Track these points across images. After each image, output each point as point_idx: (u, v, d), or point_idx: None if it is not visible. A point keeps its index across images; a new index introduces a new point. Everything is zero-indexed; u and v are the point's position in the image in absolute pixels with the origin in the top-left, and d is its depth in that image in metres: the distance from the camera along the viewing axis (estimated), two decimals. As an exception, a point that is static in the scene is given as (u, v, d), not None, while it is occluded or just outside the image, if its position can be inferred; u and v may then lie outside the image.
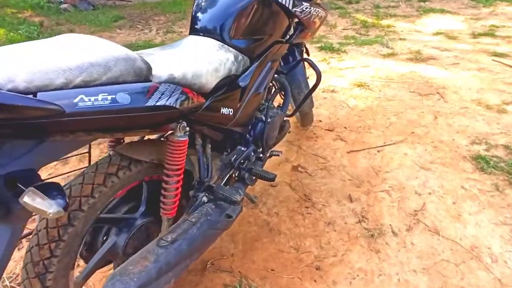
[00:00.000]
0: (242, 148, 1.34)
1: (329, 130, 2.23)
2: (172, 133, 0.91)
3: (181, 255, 0.88)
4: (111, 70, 0.65)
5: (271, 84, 1.61)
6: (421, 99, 2.59)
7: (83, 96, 0.60)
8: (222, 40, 1.10)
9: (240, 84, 1.11)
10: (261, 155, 1.43)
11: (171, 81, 0.79)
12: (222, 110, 1.03)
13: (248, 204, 1.68)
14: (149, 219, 1.04)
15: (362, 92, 2.72)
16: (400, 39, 4.09)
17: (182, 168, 0.96)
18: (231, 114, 1.08)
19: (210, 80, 0.95)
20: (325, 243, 1.46)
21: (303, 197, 1.70)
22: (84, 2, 6.39)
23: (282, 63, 1.81)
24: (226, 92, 1.03)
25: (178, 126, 0.89)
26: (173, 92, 0.76)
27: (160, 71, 0.78)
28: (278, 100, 1.69)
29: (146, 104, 0.68)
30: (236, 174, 1.33)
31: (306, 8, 1.30)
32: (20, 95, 0.52)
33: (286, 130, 1.67)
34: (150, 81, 0.73)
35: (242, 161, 1.32)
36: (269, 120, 1.40)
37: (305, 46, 1.92)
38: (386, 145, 2.06)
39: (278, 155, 1.52)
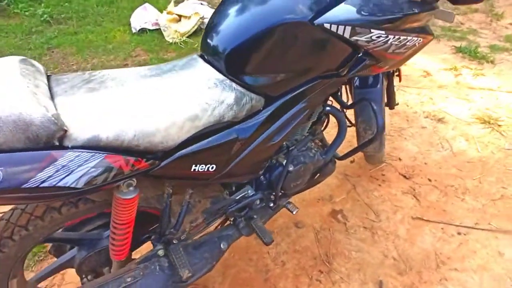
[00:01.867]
0: (249, 192, 1.10)
1: (405, 176, 1.71)
2: (117, 187, 0.76)
3: None
4: None
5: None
6: None
7: None
8: (226, 72, 0.83)
9: (235, 134, 0.84)
10: (271, 204, 1.17)
11: (92, 145, 0.62)
12: (194, 167, 0.81)
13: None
14: None
15: (485, 133, 1.95)
16: None
17: (131, 222, 0.83)
18: (212, 170, 0.85)
19: (175, 135, 0.73)
20: (319, 330, 1.18)
21: (323, 256, 1.39)
22: None
23: (358, 82, 1.38)
24: (205, 145, 0.80)
25: (123, 183, 0.73)
26: (80, 164, 0.59)
27: (84, 129, 0.62)
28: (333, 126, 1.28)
29: (25, 185, 0.54)
30: (232, 219, 1.13)
31: (379, 36, 0.86)
32: None
33: (328, 174, 1.32)
34: (53, 147, 0.58)
35: (242, 207, 1.10)
36: (292, 167, 1.10)
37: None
38: (476, 228, 1.46)
39: (292, 212, 1.22)
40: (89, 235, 0.98)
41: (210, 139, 0.80)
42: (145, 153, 0.70)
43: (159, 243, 0.94)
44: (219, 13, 0.88)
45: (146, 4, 3.48)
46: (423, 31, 1.01)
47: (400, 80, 1.49)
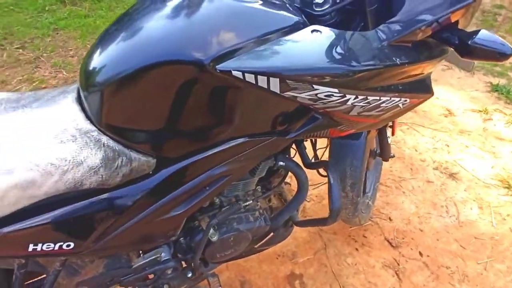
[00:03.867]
0: (163, 255, 0.85)
1: (391, 244, 1.39)
2: None
3: None
4: None
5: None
6: None
7: None
8: (96, 120, 0.59)
9: (105, 205, 0.60)
10: (189, 274, 0.92)
11: None
12: (33, 247, 0.58)
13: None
14: None
15: (505, 202, 1.58)
16: None
17: None
18: (68, 248, 0.61)
19: None
20: None
21: (262, 335, 1.12)
22: None
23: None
24: (50, 219, 0.56)
25: None
26: None
27: None
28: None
29: None
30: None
31: (329, 95, 0.58)
32: None
33: (277, 242, 1.04)
34: None
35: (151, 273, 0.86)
36: (217, 237, 0.84)
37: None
38: (467, 335, 1.13)
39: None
40: None
41: (59, 211, 0.57)
42: None
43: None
44: (107, 33, 0.63)
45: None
46: (413, 89, 0.70)
47: (393, 134, 1.18)
